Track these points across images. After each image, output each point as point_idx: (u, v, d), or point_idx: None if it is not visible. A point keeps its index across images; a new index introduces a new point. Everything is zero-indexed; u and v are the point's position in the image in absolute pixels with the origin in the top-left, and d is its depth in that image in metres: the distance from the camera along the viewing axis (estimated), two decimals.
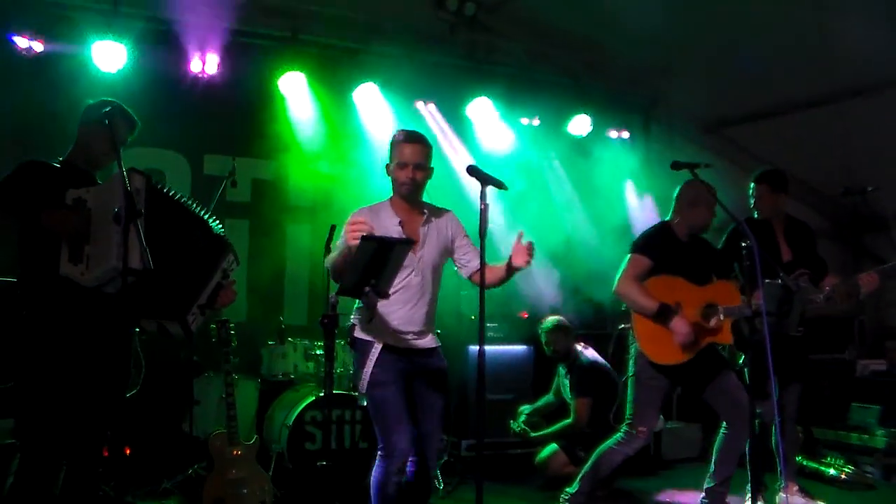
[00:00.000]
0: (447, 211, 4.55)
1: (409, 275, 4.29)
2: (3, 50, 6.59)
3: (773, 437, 5.58)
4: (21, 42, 6.60)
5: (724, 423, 5.28)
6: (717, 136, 9.21)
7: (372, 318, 4.09)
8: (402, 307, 4.31)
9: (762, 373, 4.66)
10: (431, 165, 4.50)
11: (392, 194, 4.53)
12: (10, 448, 5.17)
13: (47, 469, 3.75)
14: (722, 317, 5.08)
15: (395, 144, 4.47)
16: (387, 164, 4.51)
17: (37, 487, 3.71)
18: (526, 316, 7.61)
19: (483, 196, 3.92)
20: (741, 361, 5.59)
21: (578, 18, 7.93)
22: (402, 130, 4.51)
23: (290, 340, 6.78)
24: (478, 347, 7.18)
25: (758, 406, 5.07)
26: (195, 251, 4.17)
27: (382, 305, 4.17)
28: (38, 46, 6.63)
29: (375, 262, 3.76)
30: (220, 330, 5.67)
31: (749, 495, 4.95)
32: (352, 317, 4.46)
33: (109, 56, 6.74)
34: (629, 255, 5.25)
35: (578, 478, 5.38)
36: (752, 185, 5.82)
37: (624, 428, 5.28)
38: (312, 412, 6.12)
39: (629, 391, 5.32)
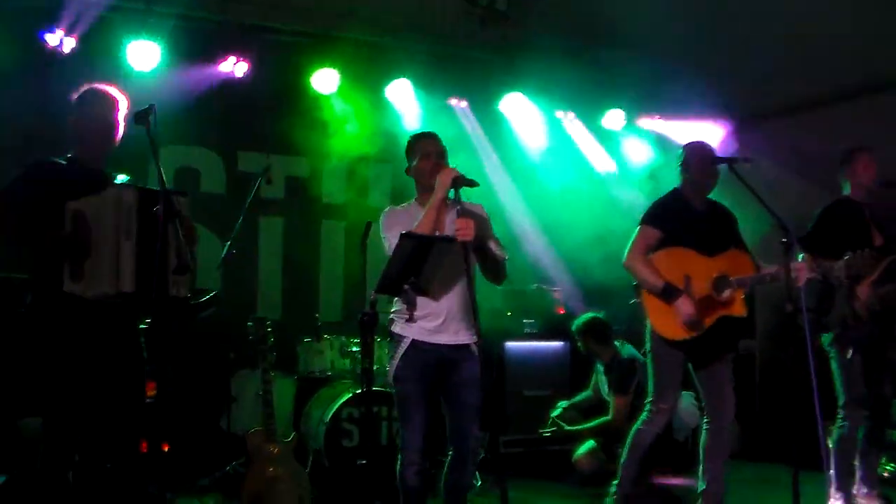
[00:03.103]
0: (477, 205, 4.52)
1: (440, 267, 4.27)
2: (35, 49, 6.63)
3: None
4: (52, 39, 6.63)
5: (707, 419, 5.14)
6: (754, 129, 9.08)
7: (412, 315, 4.08)
8: (434, 301, 4.30)
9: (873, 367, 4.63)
10: None
11: (416, 195, 4.57)
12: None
13: (57, 461, 3.85)
14: (734, 288, 4.90)
15: (412, 145, 4.59)
16: (407, 168, 4.61)
17: (49, 477, 3.84)
18: (562, 312, 7.56)
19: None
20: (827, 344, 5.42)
21: (609, 11, 7.87)
22: (416, 132, 4.69)
23: (326, 337, 6.78)
24: (514, 343, 7.33)
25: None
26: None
27: (420, 301, 4.22)
28: (70, 43, 6.67)
29: (415, 259, 3.73)
30: (257, 327, 5.67)
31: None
32: (391, 312, 4.48)
33: (143, 55, 6.77)
34: (638, 227, 5.13)
35: (619, 471, 5.28)
36: (849, 160, 5.64)
37: (647, 407, 5.17)
38: (350, 409, 6.11)
39: (648, 368, 5.21)
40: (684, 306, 4.85)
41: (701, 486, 5.12)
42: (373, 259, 6.35)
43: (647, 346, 5.17)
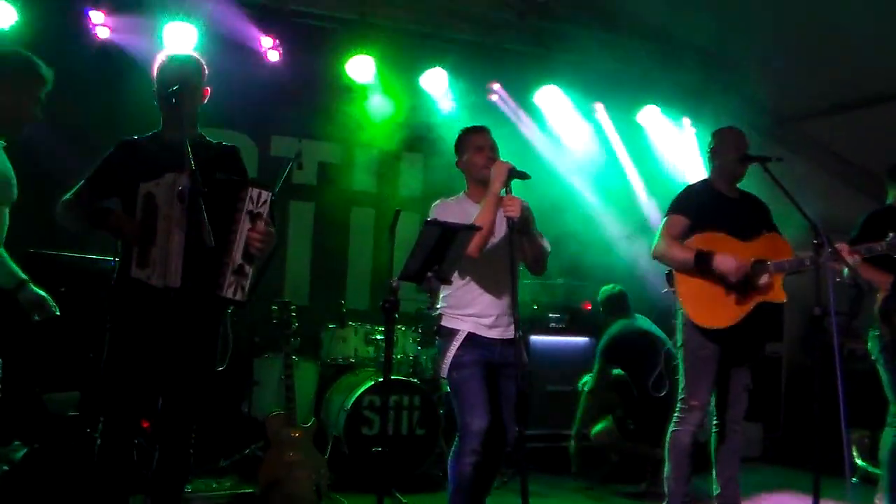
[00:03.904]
0: (522, 200, 4.52)
1: (492, 261, 4.28)
2: (79, 32, 6.69)
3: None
4: (96, 17, 6.70)
5: (716, 420, 5.02)
6: (791, 130, 8.96)
7: (433, 304, 4.09)
8: (485, 294, 4.36)
9: None
10: None
11: (466, 188, 4.62)
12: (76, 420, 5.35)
13: (123, 436, 3.78)
14: (772, 272, 4.72)
15: (464, 139, 4.62)
16: (457, 161, 4.63)
17: (116, 453, 3.76)
18: (589, 307, 7.50)
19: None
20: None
21: (648, 5, 7.80)
22: (467, 127, 4.69)
23: (351, 324, 6.79)
24: (539, 338, 7.29)
25: None
26: (213, 214, 3.57)
27: (467, 293, 4.32)
28: (104, 32, 6.74)
29: (439, 247, 3.72)
30: (282, 311, 5.68)
31: None
32: (439, 305, 4.51)
33: (180, 37, 6.79)
34: (665, 218, 4.98)
35: (665, 487, 5.04)
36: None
37: (679, 405, 4.99)
38: (371, 397, 6.12)
39: (680, 362, 5.02)
40: (725, 261, 4.65)
41: (716, 490, 5.03)
42: (401, 248, 6.41)
43: (680, 340, 4.98)
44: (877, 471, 6.58)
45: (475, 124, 4.71)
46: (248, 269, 3.69)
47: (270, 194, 3.76)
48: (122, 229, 3.72)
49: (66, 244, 5.60)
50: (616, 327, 6.74)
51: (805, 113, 8.93)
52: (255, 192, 3.70)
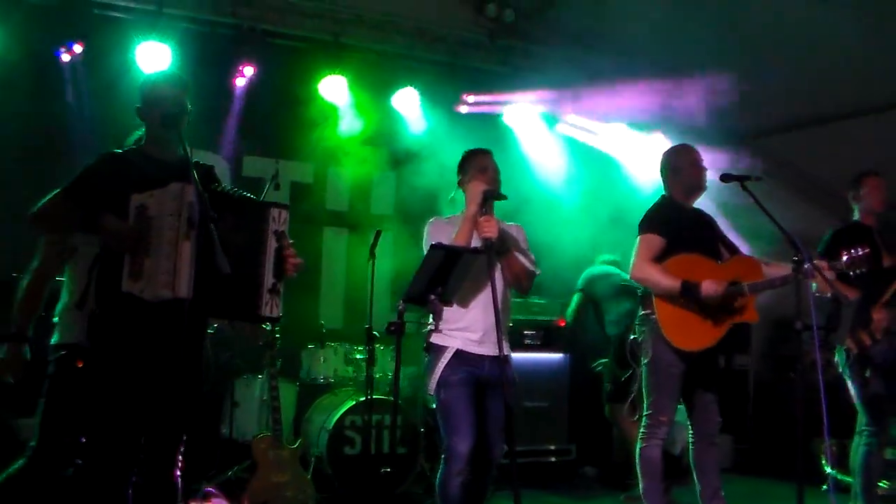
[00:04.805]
0: (514, 224, 4.61)
1: (482, 281, 4.31)
2: (46, 56, 6.67)
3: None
4: (65, 57, 6.71)
5: (692, 436, 5.09)
6: (755, 146, 9.14)
7: (438, 326, 4.11)
8: (472, 312, 4.37)
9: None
10: None
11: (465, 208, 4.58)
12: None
13: (118, 478, 3.69)
14: (747, 294, 4.80)
15: (467, 160, 4.64)
16: (459, 181, 4.64)
17: (111, 490, 3.68)
18: (563, 324, 7.58)
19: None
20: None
21: (614, 25, 7.92)
22: (472, 148, 4.70)
23: (330, 344, 6.79)
24: (514, 354, 7.34)
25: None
26: (237, 235, 3.66)
27: (456, 312, 4.29)
28: (77, 48, 6.72)
29: (443, 270, 3.77)
30: (266, 332, 5.68)
31: None
32: (429, 323, 4.51)
33: (153, 58, 6.76)
34: (639, 237, 5.01)
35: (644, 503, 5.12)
36: (857, 184, 5.66)
37: (644, 421, 5.05)
38: (353, 416, 6.15)
39: (644, 379, 5.08)
40: (711, 287, 4.72)
41: (702, 501, 5.07)
42: (380, 267, 6.45)
43: (647, 358, 5.03)
44: (848, 479, 6.76)
45: (461, 146, 4.77)
46: (280, 287, 3.71)
47: (287, 211, 3.79)
48: (119, 231, 3.63)
49: None
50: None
51: (764, 129, 9.12)
52: (276, 211, 3.72)
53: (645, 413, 5.07)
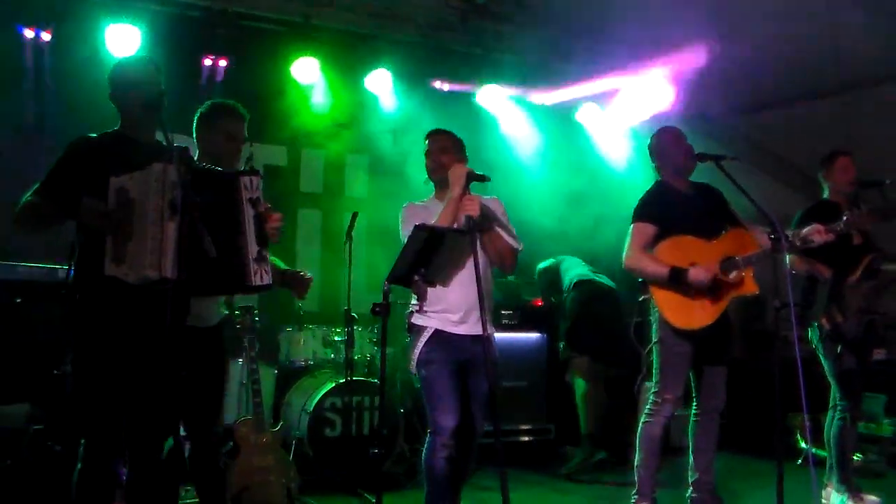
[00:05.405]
0: (492, 198, 4.61)
1: (463, 262, 4.32)
2: (12, 39, 6.57)
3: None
4: (28, 34, 6.60)
5: (695, 409, 5.19)
6: (727, 128, 9.21)
7: (422, 307, 4.13)
8: (452, 292, 4.36)
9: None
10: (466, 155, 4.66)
11: (435, 191, 4.68)
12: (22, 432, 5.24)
13: (108, 456, 3.69)
14: (742, 267, 4.89)
15: (426, 142, 4.70)
16: (426, 163, 4.67)
17: (99, 476, 3.67)
18: (540, 304, 7.62)
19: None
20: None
21: (580, 5, 7.93)
22: (432, 130, 4.75)
23: (308, 327, 6.77)
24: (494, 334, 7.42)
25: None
26: (213, 209, 3.56)
27: (436, 292, 4.29)
28: (45, 36, 6.65)
29: (426, 250, 3.77)
30: (245, 317, 5.65)
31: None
32: (411, 303, 4.54)
33: (123, 40, 6.68)
34: (631, 226, 5.10)
35: (635, 476, 5.19)
36: (827, 162, 5.75)
37: (651, 398, 5.15)
38: (332, 398, 6.16)
39: (654, 358, 5.17)
40: (699, 274, 4.81)
41: (693, 476, 5.18)
42: (357, 250, 6.44)
43: (656, 336, 5.13)
44: (822, 453, 6.88)
45: (433, 127, 4.80)
46: (266, 253, 3.69)
47: (259, 178, 3.76)
48: (100, 212, 3.58)
49: (20, 254, 5.50)
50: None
51: (733, 111, 9.18)
52: (247, 179, 3.70)
53: (652, 391, 5.16)
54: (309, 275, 4.54)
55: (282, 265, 4.54)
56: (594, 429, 7.10)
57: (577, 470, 6.90)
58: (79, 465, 3.67)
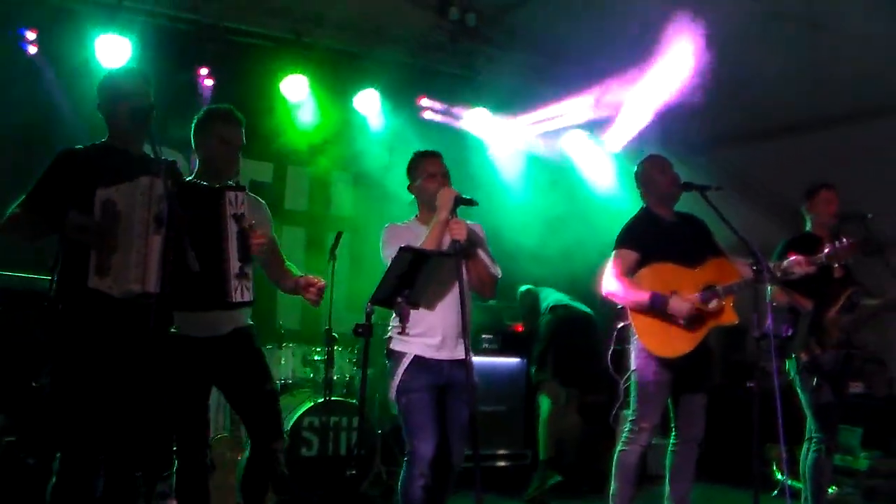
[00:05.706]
0: (476, 224, 4.58)
1: (444, 285, 4.31)
2: (1, 48, 6.57)
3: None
4: (18, 43, 6.63)
5: (674, 439, 5.14)
6: (710, 158, 9.26)
7: (405, 329, 4.10)
8: (433, 315, 4.33)
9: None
10: None
11: (417, 212, 4.63)
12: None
13: (85, 470, 3.66)
14: (722, 297, 4.87)
15: (416, 163, 4.62)
16: (409, 185, 4.63)
17: (76, 490, 3.63)
18: (520, 329, 7.62)
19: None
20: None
21: (570, 31, 7.99)
22: (420, 151, 4.67)
23: (287, 345, 6.74)
24: (474, 358, 7.42)
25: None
26: (197, 224, 3.55)
27: (415, 316, 4.20)
28: (31, 49, 6.68)
29: (410, 272, 3.76)
30: None
31: None
32: (389, 328, 4.49)
33: (113, 51, 6.68)
34: (614, 251, 5.08)
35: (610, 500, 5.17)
36: (810, 195, 5.76)
37: (627, 426, 5.11)
38: (310, 418, 6.12)
39: (632, 385, 5.13)
40: (679, 305, 4.80)
41: None
42: (339, 268, 6.41)
43: (634, 364, 5.09)
44: (797, 484, 6.88)
45: (419, 147, 4.76)
46: (248, 270, 3.72)
47: (245, 193, 3.78)
48: (85, 226, 3.56)
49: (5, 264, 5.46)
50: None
51: (717, 142, 9.24)
52: (232, 194, 3.73)
53: (629, 419, 5.12)
54: (323, 281, 4.44)
55: (296, 271, 4.48)
56: (552, 452, 7.03)
57: (536, 496, 6.84)
58: (53, 479, 3.63)
